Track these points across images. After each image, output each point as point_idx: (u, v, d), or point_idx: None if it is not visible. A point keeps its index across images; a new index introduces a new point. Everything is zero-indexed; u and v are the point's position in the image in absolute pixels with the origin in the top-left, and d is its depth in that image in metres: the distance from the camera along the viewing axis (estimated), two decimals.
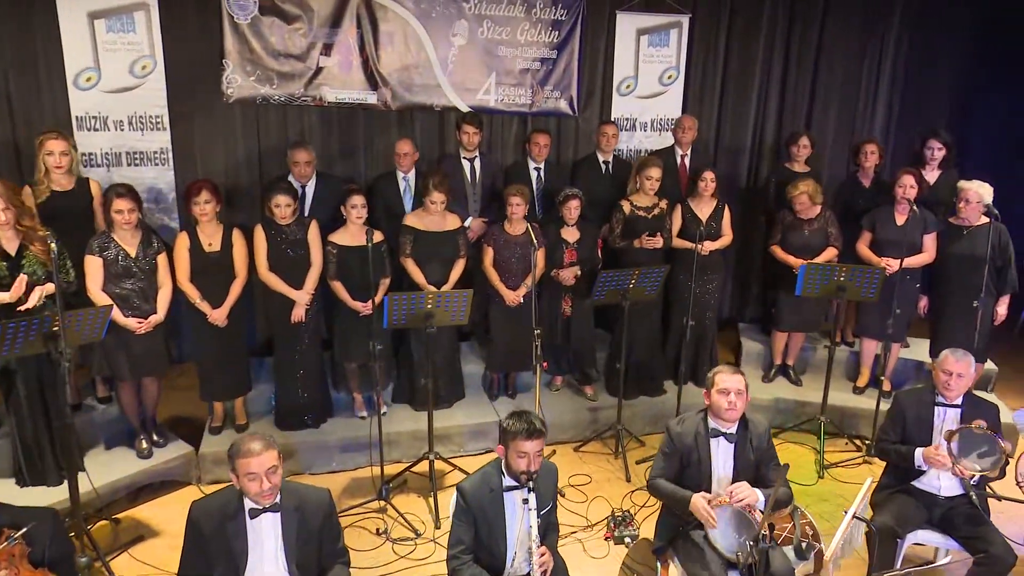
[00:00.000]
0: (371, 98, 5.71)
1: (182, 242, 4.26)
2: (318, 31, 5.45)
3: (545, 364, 4.57)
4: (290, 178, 4.89)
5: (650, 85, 6.29)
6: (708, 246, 5.03)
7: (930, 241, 4.80)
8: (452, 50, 5.79)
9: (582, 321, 5.09)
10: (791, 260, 5.05)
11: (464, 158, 5.23)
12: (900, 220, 4.85)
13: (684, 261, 5.00)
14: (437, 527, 4.12)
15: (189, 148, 5.37)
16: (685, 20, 6.22)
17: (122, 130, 5.18)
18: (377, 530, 4.07)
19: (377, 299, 4.38)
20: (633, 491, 4.47)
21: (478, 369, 5.35)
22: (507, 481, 2.86)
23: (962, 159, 7.17)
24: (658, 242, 4.97)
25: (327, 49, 5.53)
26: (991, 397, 5.05)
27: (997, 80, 7.08)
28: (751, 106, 6.55)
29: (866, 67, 6.61)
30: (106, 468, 4.21)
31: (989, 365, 5.34)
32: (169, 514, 4.15)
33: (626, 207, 5.03)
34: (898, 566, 3.43)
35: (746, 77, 6.46)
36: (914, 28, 6.59)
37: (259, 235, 4.42)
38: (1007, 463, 3.39)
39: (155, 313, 4.16)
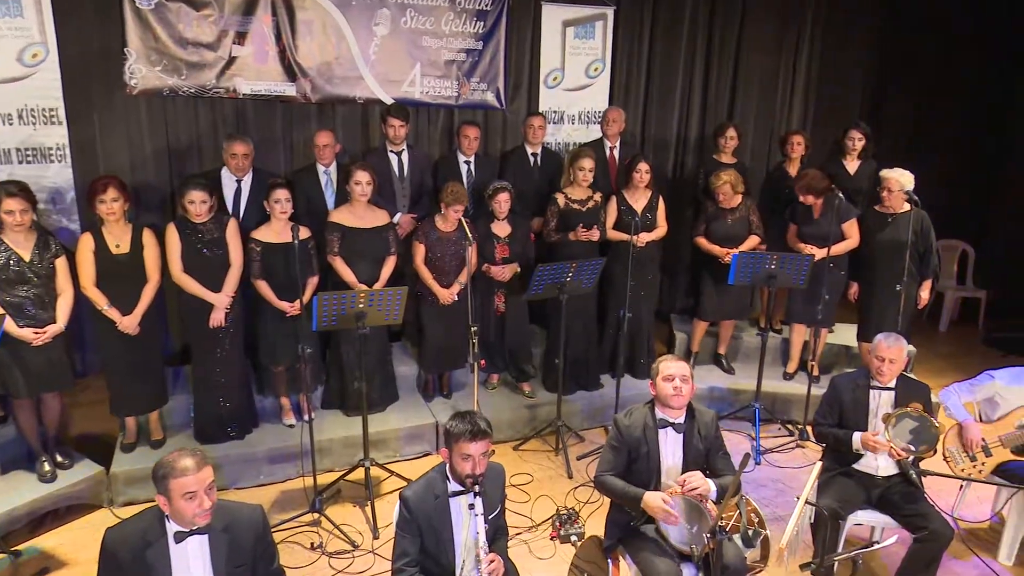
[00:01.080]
0: (289, 90, 5.43)
1: (85, 244, 3.90)
2: (230, 19, 5.14)
3: (483, 362, 4.43)
4: (224, 172, 4.61)
5: (577, 77, 6.25)
6: (644, 237, 5.01)
7: (850, 228, 4.93)
8: (374, 40, 5.58)
9: (517, 317, 4.99)
10: (716, 250, 5.11)
11: (391, 152, 5.03)
12: (816, 214, 4.97)
13: (620, 253, 4.96)
14: (376, 537, 3.92)
15: (90, 144, 4.97)
16: (610, 12, 6.20)
17: (11, 124, 4.73)
18: (312, 544, 3.84)
19: (305, 299, 4.16)
20: (576, 488, 4.40)
21: (411, 371, 5.17)
22: (452, 486, 2.70)
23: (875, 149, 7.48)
24: (594, 234, 4.91)
25: (240, 38, 5.22)
26: (916, 378, 5.23)
27: (903, 76, 7.41)
28: (676, 99, 6.60)
29: (783, 63, 6.77)
30: (1, 495, 3.81)
31: (908, 346, 5.53)
32: (79, 542, 3.79)
33: (560, 200, 4.95)
34: (840, 547, 3.48)
35: (670, 71, 6.51)
36: (826, 27, 6.79)
37: (172, 234, 4.10)
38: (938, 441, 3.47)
39: (54, 323, 3.79)
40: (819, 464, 3.01)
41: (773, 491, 4.45)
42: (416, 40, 5.67)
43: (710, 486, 3.00)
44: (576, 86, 6.27)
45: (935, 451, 3.50)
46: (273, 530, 3.81)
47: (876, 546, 3.16)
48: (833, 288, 4.95)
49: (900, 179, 4.67)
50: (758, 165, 6.71)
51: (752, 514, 3.43)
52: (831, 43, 6.91)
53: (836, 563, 3.53)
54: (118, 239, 3.98)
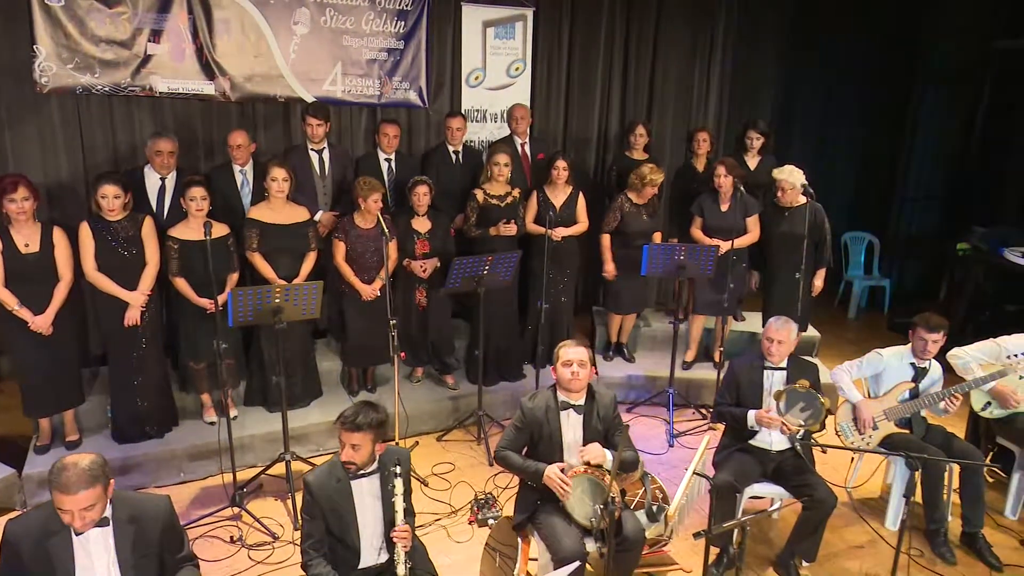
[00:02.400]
0: (208, 88, 5.41)
1: None
2: (144, 16, 5.10)
3: (403, 355, 4.53)
4: (147, 170, 4.60)
5: (498, 77, 6.38)
6: (560, 232, 5.18)
7: (752, 223, 5.20)
8: (294, 39, 5.60)
9: (438, 311, 5.10)
10: (608, 258, 5.40)
11: (312, 150, 5.07)
12: (724, 206, 5.23)
13: (539, 247, 5.11)
14: (296, 528, 3.97)
15: None
16: (529, 13, 6.36)
17: None
18: (231, 538, 3.88)
19: (224, 296, 4.18)
20: (496, 474, 4.53)
21: (337, 366, 5.22)
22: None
23: (785, 148, 7.85)
24: (512, 229, 5.06)
25: (156, 36, 5.18)
26: (815, 360, 5.54)
27: (811, 75, 7.80)
28: (596, 98, 6.80)
29: (698, 63, 7.03)
30: None
31: (813, 332, 5.87)
32: None
33: (480, 196, 5.08)
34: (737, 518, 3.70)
35: (589, 70, 6.70)
36: (738, 28, 7.09)
37: (84, 233, 4.08)
38: (827, 416, 3.73)
39: None
40: (707, 438, 3.21)
41: (683, 471, 4.66)
42: (337, 39, 5.71)
43: (607, 455, 3.17)
44: (498, 85, 6.41)
45: (822, 425, 3.76)
46: (192, 526, 3.90)
47: (766, 511, 3.39)
48: (736, 279, 5.21)
49: (790, 177, 4.97)
50: (676, 161, 6.95)
51: (657, 491, 3.64)
52: (743, 43, 7.21)
53: (735, 531, 3.77)
54: (27, 239, 3.94)
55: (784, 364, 3.79)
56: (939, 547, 3.91)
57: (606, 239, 5.40)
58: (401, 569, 2.74)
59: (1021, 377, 4.03)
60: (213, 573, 3.62)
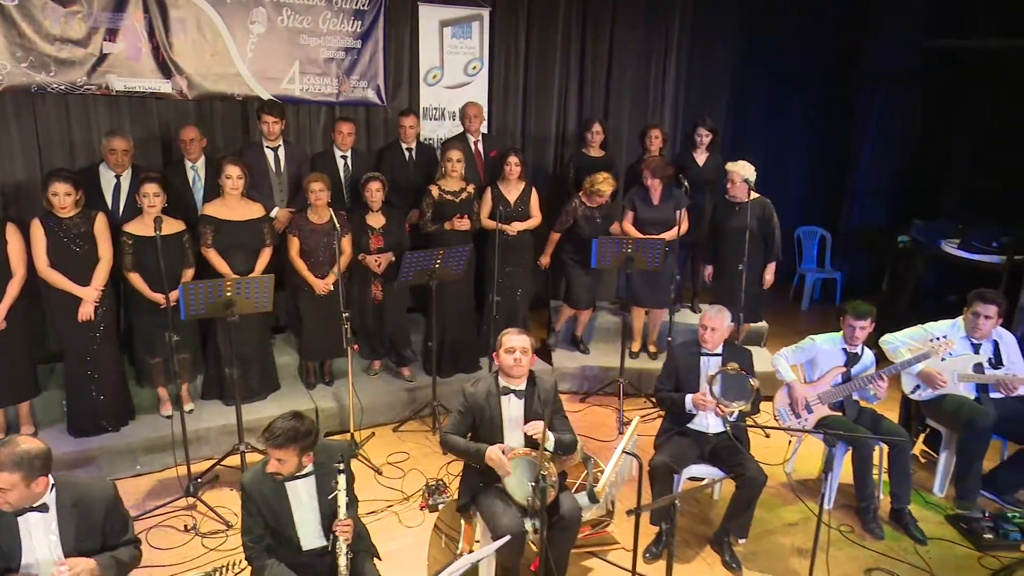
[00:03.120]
0: (165, 87, 5.46)
1: None
2: (99, 15, 5.14)
3: (356, 347, 4.63)
4: (102, 168, 4.66)
5: (456, 75, 6.50)
6: (516, 226, 5.32)
7: (682, 216, 5.38)
8: (251, 38, 5.67)
9: (394, 305, 5.21)
10: (548, 252, 5.65)
11: (267, 147, 5.16)
12: (656, 199, 5.40)
13: (493, 242, 5.25)
14: None
15: None
16: (485, 13, 6.48)
17: None
18: (185, 526, 3.96)
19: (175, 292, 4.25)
20: (449, 463, 4.64)
21: (295, 360, 5.31)
22: None
23: (740, 146, 8.05)
24: (466, 224, 5.19)
25: (112, 35, 5.22)
26: (763, 352, 5.74)
27: (764, 72, 8.00)
28: (553, 96, 6.94)
29: (654, 61, 7.21)
30: None
31: (762, 323, 6.05)
32: None
33: (434, 192, 5.19)
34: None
35: (546, 69, 6.84)
36: (693, 27, 7.28)
37: (36, 229, 4.13)
38: (758, 399, 3.90)
39: None
40: (637, 419, 3.36)
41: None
42: (294, 38, 5.79)
43: (550, 435, 3.30)
44: (456, 83, 6.52)
45: (757, 409, 3.93)
46: (147, 516, 3.97)
47: (689, 492, 3.55)
48: (668, 271, 5.38)
49: (741, 171, 5.15)
50: (632, 158, 7.11)
51: (599, 474, 3.78)
52: (697, 43, 7.40)
53: (673, 510, 3.93)
54: None
55: (719, 350, 3.95)
56: (869, 523, 4.10)
57: (555, 236, 5.55)
58: (342, 560, 2.83)
59: (943, 359, 4.23)
60: (167, 561, 3.70)
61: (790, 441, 4.67)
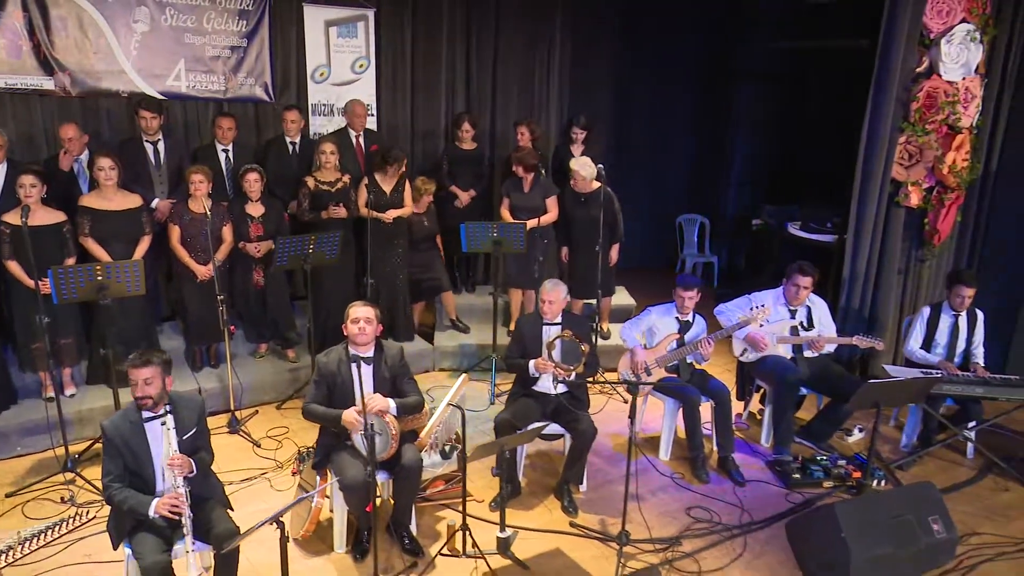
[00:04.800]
0: (47, 84, 5.62)
1: None
2: None
3: (233, 328, 4.91)
4: None
5: (343, 73, 6.80)
6: (392, 213, 5.67)
7: (551, 203, 5.85)
8: (135, 37, 5.86)
9: (276, 290, 5.50)
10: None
11: (147, 141, 5.38)
12: (526, 188, 5.86)
13: (371, 229, 5.59)
14: None
15: None
16: (370, 14, 6.80)
17: None
18: (62, 498, 4.18)
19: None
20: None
21: (183, 345, 5.54)
22: (146, 413, 3.19)
23: (626, 139, 8.60)
24: (342, 212, 5.52)
25: None
26: (616, 328, 6.22)
27: (647, 74, 8.55)
28: (441, 93, 7.27)
29: (538, 59, 7.62)
30: None
31: (630, 300, 6.57)
32: None
33: (311, 183, 5.51)
34: (521, 452, 4.30)
35: (433, 67, 7.17)
36: (574, 30, 7.72)
37: None
38: (595, 363, 4.36)
39: None
40: (463, 376, 3.77)
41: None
42: (179, 37, 6.00)
43: (390, 403, 3.68)
44: (343, 81, 6.82)
45: (593, 370, 4.39)
46: (25, 490, 4.18)
47: (529, 428, 3.99)
48: (542, 254, 5.83)
49: (582, 170, 5.64)
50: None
51: (453, 435, 4.18)
52: (581, 40, 7.84)
53: (519, 465, 4.37)
54: None
55: (558, 320, 4.39)
56: (697, 470, 4.62)
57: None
58: (182, 491, 3.11)
59: (761, 325, 4.78)
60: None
61: (626, 400, 5.16)
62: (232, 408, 5.07)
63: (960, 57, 5.26)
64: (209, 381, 5.30)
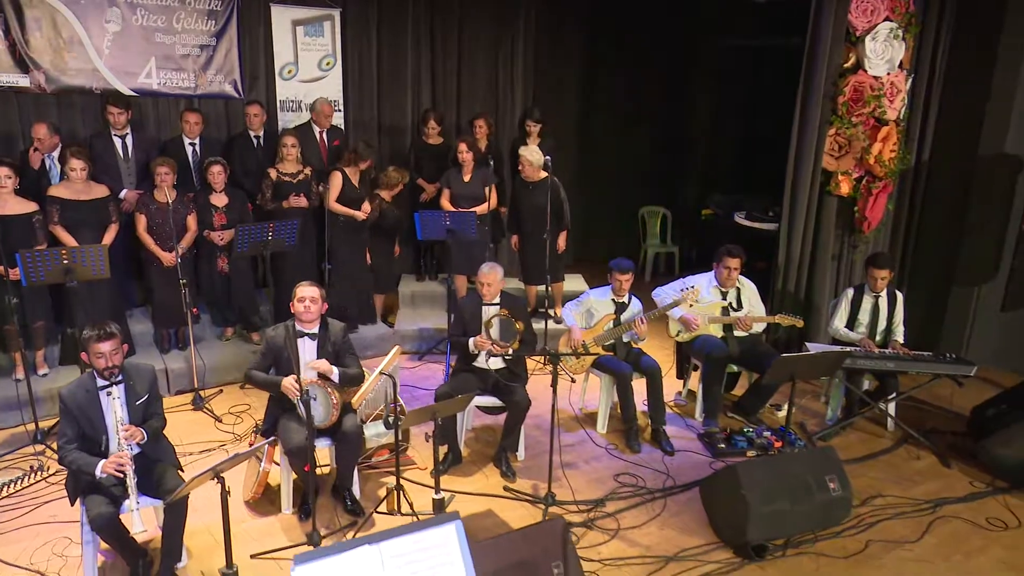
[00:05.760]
0: (23, 81, 5.91)
1: None
2: None
3: (196, 310, 5.21)
4: None
5: (310, 70, 7.09)
6: (366, 208, 5.97)
7: (490, 192, 6.14)
8: (107, 36, 6.15)
9: (240, 275, 5.80)
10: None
11: (115, 136, 5.67)
12: (466, 178, 6.16)
13: (337, 220, 5.90)
14: None
15: None
16: (336, 14, 7.09)
17: None
18: (31, 467, 4.48)
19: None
20: None
21: (151, 328, 5.84)
22: (100, 382, 3.47)
23: (590, 134, 8.88)
24: (303, 202, 5.82)
25: None
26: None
27: (610, 72, 8.83)
28: (407, 89, 7.56)
29: (501, 56, 7.89)
30: None
31: (584, 285, 6.87)
32: None
33: (273, 174, 5.81)
34: (461, 424, 4.61)
35: (399, 65, 7.46)
36: (539, 22, 7.99)
37: None
38: (532, 340, 4.67)
39: None
40: (396, 348, 4.08)
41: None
42: (149, 36, 6.29)
43: (334, 369, 3.98)
44: (311, 78, 7.12)
45: (524, 344, 4.68)
46: None
47: (461, 397, 4.28)
48: (482, 242, 6.14)
49: (530, 157, 5.94)
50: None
51: (397, 407, 4.47)
52: (546, 36, 8.13)
53: (458, 432, 4.66)
54: None
55: (497, 300, 4.69)
56: (631, 441, 4.93)
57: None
58: (126, 452, 3.39)
59: (692, 305, 5.09)
60: (13, 500, 4.21)
61: (573, 380, 5.48)
62: (196, 387, 5.37)
63: (885, 53, 5.56)
64: (176, 362, 5.60)
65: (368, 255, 6.20)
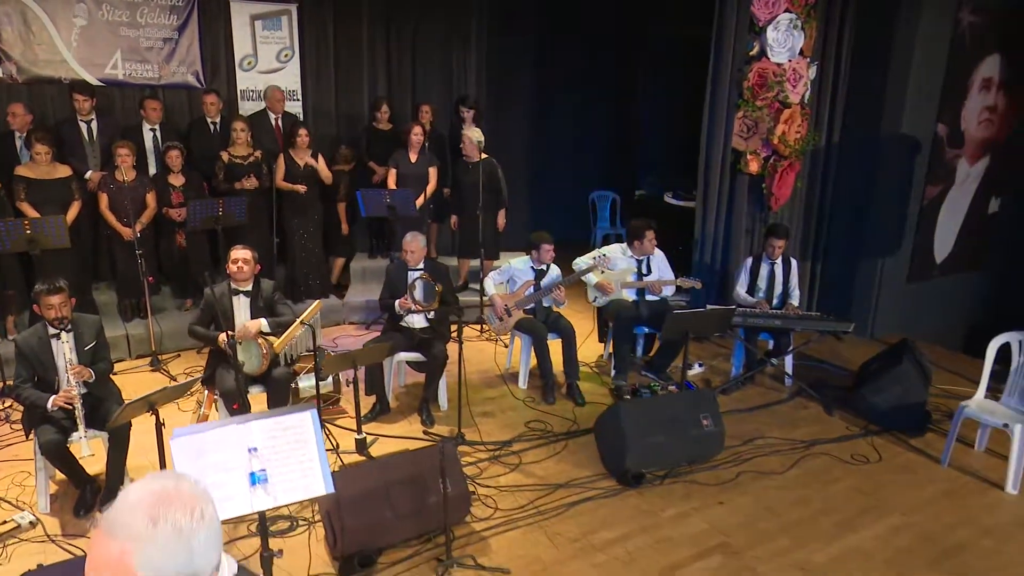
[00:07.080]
0: None
1: None
2: None
3: (151, 279, 5.70)
4: None
5: (269, 62, 7.57)
6: (301, 188, 6.47)
7: (433, 173, 6.63)
8: (74, 30, 6.64)
9: (196, 250, 6.29)
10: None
11: (81, 121, 6.16)
12: (413, 158, 6.65)
13: (286, 197, 6.39)
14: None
15: None
16: (293, 8, 7.57)
17: None
18: None
19: None
20: None
21: (115, 299, 6.33)
22: (51, 330, 3.96)
23: (546, 122, 9.34)
24: (253, 183, 6.31)
25: None
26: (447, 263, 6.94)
27: (566, 59, 9.29)
28: (363, 78, 8.03)
29: (455, 46, 8.33)
30: None
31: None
32: None
33: (225, 157, 6.30)
34: (388, 378, 5.11)
35: (355, 58, 7.94)
36: (492, 15, 8.44)
37: None
38: (453, 301, 5.16)
39: None
40: (318, 301, 4.58)
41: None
42: (115, 30, 6.78)
43: (261, 322, 4.48)
44: (269, 69, 7.60)
45: (441, 303, 5.15)
46: None
47: (368, 348, 4.76)
48: (422, 217, 6.63)
49: (471, 136, 6.42)
50: (442, 130, 8.26)
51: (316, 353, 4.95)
52: (499, 26, 8.57)
53: (386, 383, 5.14)
54: None
55: (421, 265, 5.18)
56: (547, 395, 5.42)
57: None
58: (75, 392, 3.87)
59: (603, 272, 5.58)
60: None
61: (501, 343, 5.98)
62: (153, 350, 5.86)
63: (786, 42, 6.06)
64: (137, 329, 6.09)
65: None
